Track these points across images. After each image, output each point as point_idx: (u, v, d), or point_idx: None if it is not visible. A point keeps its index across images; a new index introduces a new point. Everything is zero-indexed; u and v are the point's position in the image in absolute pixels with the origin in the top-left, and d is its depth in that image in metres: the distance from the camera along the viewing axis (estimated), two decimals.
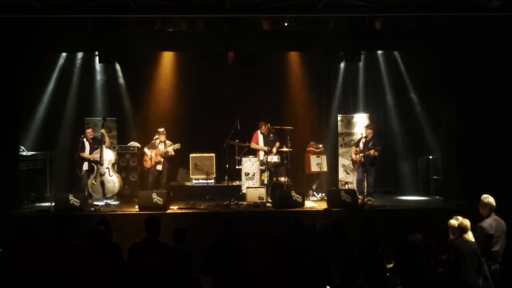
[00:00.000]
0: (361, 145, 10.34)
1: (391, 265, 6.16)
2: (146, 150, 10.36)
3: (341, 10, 9.13)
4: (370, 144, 10.15)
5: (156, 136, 10.33)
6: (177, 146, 10.17)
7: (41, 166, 10.87)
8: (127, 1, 8.58)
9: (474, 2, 8.76)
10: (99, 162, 9.95)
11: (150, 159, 10.21)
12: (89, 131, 10.15)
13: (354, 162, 10.52)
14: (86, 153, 9.98)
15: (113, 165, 10.19)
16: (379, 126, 12.12)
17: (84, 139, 10.04)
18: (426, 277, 5.60)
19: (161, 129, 10.35)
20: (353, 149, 10.52)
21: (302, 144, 11.34)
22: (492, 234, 6.06)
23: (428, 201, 10.80)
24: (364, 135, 10.45)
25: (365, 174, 10.27)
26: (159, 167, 10.24)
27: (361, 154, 10.15)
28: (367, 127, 10.49)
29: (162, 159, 10.22)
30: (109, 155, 10.13)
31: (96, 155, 9.99)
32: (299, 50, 10.99)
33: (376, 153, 9.99)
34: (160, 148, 10.24)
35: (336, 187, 11.24)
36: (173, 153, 10.25)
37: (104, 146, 10.01)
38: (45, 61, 11.17)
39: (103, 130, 10.09)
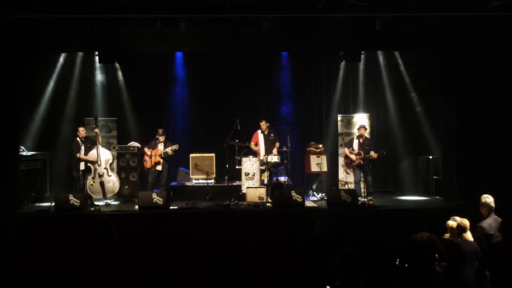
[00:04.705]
0: (355, 146, 10.18)
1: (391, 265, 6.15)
2: (146, 149, 10.35)
3: (341, 10, 9.14)
4: (365, 146, 10.09)
5: (156, 136, 10.31)
6: (175, 147, 10.13)
7: (41, 166, 10.87)
8: (127, 1, 8.59)
9: (474, 2, 8.77)
10: (96, 163, 9.91)
11: (150, 158, 10.20)
12: (82, 129, 9.94)
13: (349, 164, 10.39)
14: (82, 154, 9.84)
15: (110, 164, 10.17)
16: (379, 126, 12.14)
17: (77, 138, 9.86)
18: (429, 277, 5.58)
19: (161, 130, 10.33)
20: (346, 150, 10.34)
21: (302, 144, 11.34)
22: (492, 234, 6.05)
23: (428, 201, 10.80)
24: (357, 134, 10.33)
25: (362, 174, 10.21)
26: (159, 167, 10.21)
27: (359, 157, 10.05)
28: (364, 127, 10.36)
29: (161, 160, 10.20)
30: (105, 155, 10.09)
31: (92, 156, 9.89)
32: (299, 50, 11.00)
33: (376, 156, 9.92)
34: (159, 149, 10.22)
35: (336, 187, 11.24)
36: (172, 153, 10.22)
37: (100, 146, 9.97)
38: (45, 61, 11.17)
39: (97, 130, 9.95)
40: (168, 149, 10.10)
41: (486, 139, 9.59)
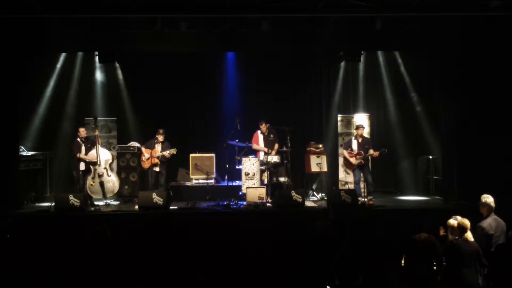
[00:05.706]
0: (354, 147, 10.12)
1: (391, 265, 6.15)
2: (143, 149, 10.31)
3: (341, 10, 9.16)
4: (365, 145, 10.07)
5: (156, 136, 10.27)
6: (173, 151, 10.03)
7: (41, 166, 10.87)
8: (127, 1, 8.60)
9: (474, 2, 8.77)
10: (96, 163, 9.90)
11: (148, 159, 10.16)
12: (82, 129, 9.93)
13: (349, 165, 10.31)
14: (83, 154, 9.85)
15: (110, 164, 10.16)
16: (379, 126, 12.14)
17: (78, 139, 9.86)
18: (428, 277, 5.59)
19: (162, 130, 10.29)
20: (345, 152, 10.24)
21: (302, 144, 11.33)
22: (492, 234, 6.05)
23: (428, 201, 10.80)
24: (356, 134, 10.30)
25: (362, 174, 10.17)
26: (156, 169, 10.16)
27: (359, 156, 10.03)
28: (362, 127, 10.32)
29: (159, 161, 10.15)
30: (105, 155, 10.09)
31: (92, 156, 9.88)
32: (300, 50, 10.99)
33: (377, 154, 9.92)
34: (157, 149, 10.18)
35: (336, 187, 11.23)
36: (169, 156, 10.16)
37: (99, 146, 9.96)
38: (45, 61, 11.17)
39: (97, 132, 9.94)
40: (166, 153, 10.07)
41: (486, 139, 9.58)
